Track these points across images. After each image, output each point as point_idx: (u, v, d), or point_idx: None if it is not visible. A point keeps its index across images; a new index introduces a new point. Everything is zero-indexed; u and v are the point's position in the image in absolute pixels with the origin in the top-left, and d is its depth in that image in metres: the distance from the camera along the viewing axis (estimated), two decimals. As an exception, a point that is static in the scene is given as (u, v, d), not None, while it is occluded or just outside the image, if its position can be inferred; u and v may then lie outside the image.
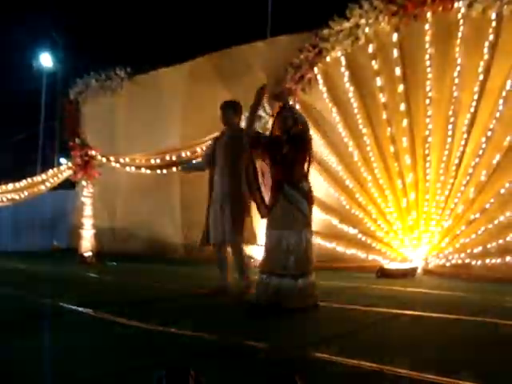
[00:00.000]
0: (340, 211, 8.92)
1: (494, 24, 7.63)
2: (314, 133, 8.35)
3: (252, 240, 6.32)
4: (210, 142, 9.15)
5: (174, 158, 10.01)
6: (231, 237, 5.78)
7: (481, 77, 7.71)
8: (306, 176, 5.03)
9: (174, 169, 10.18)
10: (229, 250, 5.94)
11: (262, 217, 5.24)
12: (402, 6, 8.24)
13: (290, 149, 4.89)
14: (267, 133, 5.44)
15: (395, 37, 8.44)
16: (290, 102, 5.16)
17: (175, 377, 1.83)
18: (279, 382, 1.65)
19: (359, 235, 8.72)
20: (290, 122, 4.96)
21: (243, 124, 6.16)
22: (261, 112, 9.31)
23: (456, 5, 7.87)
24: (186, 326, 4.02)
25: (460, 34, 7.90)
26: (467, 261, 7.75)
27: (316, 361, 3.17)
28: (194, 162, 6.60)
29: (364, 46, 8.73)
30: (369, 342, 3.76)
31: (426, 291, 6.35)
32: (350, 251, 8.74)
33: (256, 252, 8.04)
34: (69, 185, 12.41)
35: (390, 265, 8.10)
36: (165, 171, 10.31)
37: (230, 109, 6.08)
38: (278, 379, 1.66)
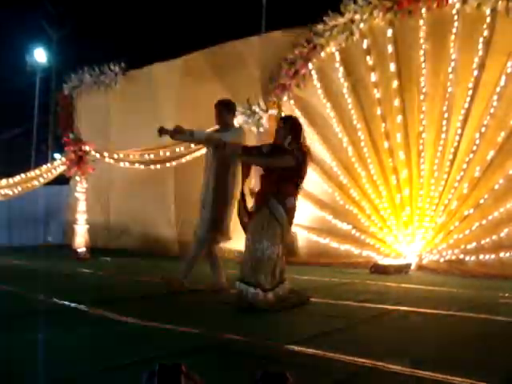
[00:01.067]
0: (334, 207, 8.93)
1: (488, 20, 7.63)
2: (308, 128, 8.39)
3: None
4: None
5: (167, 154, 9.99)
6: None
7: (475, 73, 7.72)
8: (293, 194, 4.93)
9: (168, 164, 10.17)
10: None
11: (243, 223, 5.20)
12: (397, 1, 8.24)
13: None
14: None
15: (390, 32, 8.44)
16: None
17: (166, 373, 1.82)
18: (270, 379, 1.65)
19: (353, 231, 8.73)
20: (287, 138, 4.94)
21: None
22: (255, 108, 9.31)
23: (450, 1, 7.87)
24: (177, 322, 4.01)
25: (454, 30, 7.90)
26: (461, 257, 7.78)
27: (305, 357, 3.17)
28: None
29: (358, 41, 8.72)
30: (361, 337, 3.77)
31: (419, 287, 6.36)
32: (344, 247, 8.75)
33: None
34: (63, 180, 12.35)
35: (383, 260, 8.11)
36: (159, 167, 10.30)
37: (225, 108, 6.05)
38: (269, 376, 1.66)
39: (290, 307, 4.77)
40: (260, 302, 4.66)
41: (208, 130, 6.55)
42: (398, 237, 8.38)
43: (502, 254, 7.43)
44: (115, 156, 10.68)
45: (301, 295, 5.09)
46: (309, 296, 5.13)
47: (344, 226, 8.81)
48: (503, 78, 7.52)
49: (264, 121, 9.25)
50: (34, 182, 10.99)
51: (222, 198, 5.76)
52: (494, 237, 7.52)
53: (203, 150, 9.66)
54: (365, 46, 8.68)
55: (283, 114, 9.06)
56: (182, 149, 9.87)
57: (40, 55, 23.14)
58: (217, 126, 6.25)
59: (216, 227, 5.78)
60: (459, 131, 7.87)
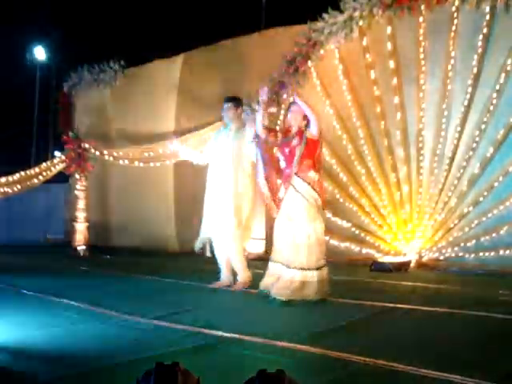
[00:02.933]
0: (333, 204, 8.90)
1: (487, 17, 7.60)
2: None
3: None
4: (207, 135, 9.24)
5: (167, 151, 9.98)
6: None
7: (474, 70, 7.70)
8: (313, 168, 5.16)
9: (168, 162, 10.17)
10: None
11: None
12: (396, -1, 8.21)
13: (298, 143, 5.14)
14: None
15: (389, 30, 8.42)
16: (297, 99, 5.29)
17: (163, 372, 1.82)
18: (267, 378, 1.64)
19: (352, 229, 8.72)
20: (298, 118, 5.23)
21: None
22: (255, 105, 9.29)
23: (450, -2, 7.85)
24: (175, 319, 4.02)
25: (454, 28, 7.87)
26: (460, 254, 7.77)
27: (305, 355, 3.16)
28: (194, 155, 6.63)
29: (358, 38, 8.69)
30: (361, 335, 3.77)
31: (419, 285, 6.37)
32: (344, 245, 8.73)
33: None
34: (62, 178, 12.34)
35: (383, 258, 8.11)
36: (158, 164, 10.30)
37: (239, 104, 6.24)
38: (266, 375, 1.65)
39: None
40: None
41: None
42: (397, 234, 8.37)
43: (501, 252, 7.42)
44: (115, 154, 10.68)
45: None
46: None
47: (344, 224, 8.80)
48: (503, 75, 7.50)
49: (263, 118, 9.22)
50: (33, 180, 10.98)
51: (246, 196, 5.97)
52: (494, 234, 7.51)
53: (202, 148, 9.69)
54: (364, 43, 8.66)
55: (282, 113, 9.07)
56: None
57: (40, 53, 23.09)
58: (225, 122, 6.29)
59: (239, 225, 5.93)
60: (459, 128, 7.86)
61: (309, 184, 5.09)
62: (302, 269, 4.94)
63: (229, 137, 6.06)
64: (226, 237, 5.91)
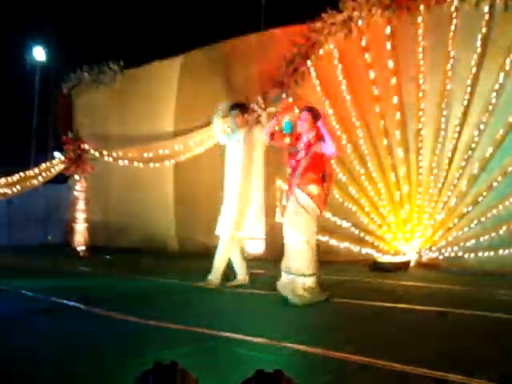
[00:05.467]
0: (333, 204, 8.88)
1: (486, 17, 7.61)
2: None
3: None
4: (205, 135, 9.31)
5: (166, 152, 10.00)
6: None
7: (474, 70, 7.70)
8: (316, 182, 5.20)
9: (167, 162, 10.18)
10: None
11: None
12: (395, -2, 8.22)
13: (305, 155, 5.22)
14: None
15: (388, 29, 8.42)
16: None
17: (162, 372, 1.82)
18: (264, 378, 1.65)
19: (352, 228, 8.72)
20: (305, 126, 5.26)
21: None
22: (254, 106, 9.30)
23: (449, -2, 7.86)
24: (174, 319, 4.02)
25: (453, 27, 7.88)
26: (460, 254, 7.77)
27: (304, 354, 3.17)
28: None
29: (357, 38, 8.69)
30: (361, 335, 3.77)
31: (418, 284, 6.37)
32: (343, 244, 8.73)
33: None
34: (62, 179, 12.34)
35: (383, 258, 8.11)
36: (158, 165, 10.30)
37: (242, 111, 6.35)
38: (263, 375, 1.66)
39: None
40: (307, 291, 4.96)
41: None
42: (397, 234, 8.37)
43: (500, 252, 7.42)
44: (114, 154, 10.67)
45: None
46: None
47: (343, 224, 8.80)
48: (501, 74, 7.50)
49: (263, 118, 9.23)
50: (33, 181, 10.98)
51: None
52: (493, 234, 7.52)
53: (202, 148, 9.72)
54: (363, 43, 8.66)
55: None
56: (181, 147, 9.88)
57: (39, 54, 23.08)
58: (233, 128, 6.37)
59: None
60: (458, 128, 7.86)
61: (308, 195, 5.14)
62: (302, 275, 5.00)
63: (239, 142, 6.16)
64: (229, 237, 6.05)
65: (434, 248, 8.05)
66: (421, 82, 8.16)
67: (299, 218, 5.11)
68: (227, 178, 6.26)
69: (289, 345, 3.33)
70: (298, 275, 5.01)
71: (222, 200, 6.31)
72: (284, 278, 5.13)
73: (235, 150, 6.21)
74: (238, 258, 6.20)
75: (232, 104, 6.44)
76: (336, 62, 8.92)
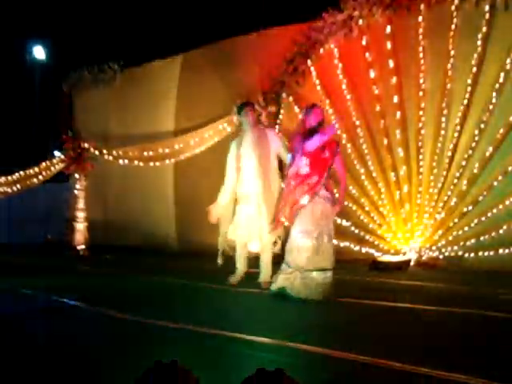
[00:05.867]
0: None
1: (487, 16, 7.61)
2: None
3: None
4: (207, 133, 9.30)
5: (166, 151, 10.00)
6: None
7: (474, 69, 7.70)
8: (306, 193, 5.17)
9: (167, 161, 10.18)
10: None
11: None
12: (396, -2, 8.22)
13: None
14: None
15: (388, 29, 8.41)
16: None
17: (163, 371, 1.82)
18: (265, 377, 1.64)
19: (352, 228, 8.72)
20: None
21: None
22: (254, 105, 9.29)
23: (449, -3, 7.85)
24: (175, 319, 4.02)
25: (453, 27, 7.88)
26: (460, 253, 7.78)
27: (304, 353, 3.17)
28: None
29: (357, 38, 8.69)
30: (361, 334, 3.76)
31: (419, 284, 6.36)
32: (343, 244, 8.72)
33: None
34: (62, 178, 12.34)
35: (383, 257, 8.11)
36: (158, 164, 10.30)
37: (252, 108, 6.36)
38: (264, 373, 1.65)
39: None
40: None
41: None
42: (397, 233, 8.37)
43: (501, 251, 7.43)
44: (114, 153, 10.68)
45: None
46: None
47: (343, 223, 8.79)
48: (502, 74, 7.50)
49: (263, 118, 9.23)
50: (33, 180, 10.99)
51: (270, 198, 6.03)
52: (493, 233, 7.52)
53: (202, 148, 9.72)
54: (364, 42, 8.66)
55: (282, 111, 9.13)
56: (181, 145, 9.88)
57: (39, 53, 23.09)
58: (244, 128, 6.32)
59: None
60: (458, 128, 7.86)
61: (331, 193, 5.28)
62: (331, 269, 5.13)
63: (253, 139, 6.09)
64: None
65: (434, 247, 8.05)
66: (421, 81, 8.16)
67: (329, 219, 5.20)
68: (244, 179, 6.07)
69: (289, 344, 3.33)
70: (330, 270, 5.09)
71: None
72: (316, 276, 5.02)
73: (251, 148, 6.08)
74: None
75: (241, 104, 6.47)
76: (336, 61, 8.92)
